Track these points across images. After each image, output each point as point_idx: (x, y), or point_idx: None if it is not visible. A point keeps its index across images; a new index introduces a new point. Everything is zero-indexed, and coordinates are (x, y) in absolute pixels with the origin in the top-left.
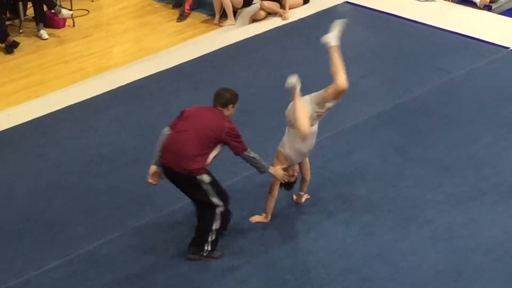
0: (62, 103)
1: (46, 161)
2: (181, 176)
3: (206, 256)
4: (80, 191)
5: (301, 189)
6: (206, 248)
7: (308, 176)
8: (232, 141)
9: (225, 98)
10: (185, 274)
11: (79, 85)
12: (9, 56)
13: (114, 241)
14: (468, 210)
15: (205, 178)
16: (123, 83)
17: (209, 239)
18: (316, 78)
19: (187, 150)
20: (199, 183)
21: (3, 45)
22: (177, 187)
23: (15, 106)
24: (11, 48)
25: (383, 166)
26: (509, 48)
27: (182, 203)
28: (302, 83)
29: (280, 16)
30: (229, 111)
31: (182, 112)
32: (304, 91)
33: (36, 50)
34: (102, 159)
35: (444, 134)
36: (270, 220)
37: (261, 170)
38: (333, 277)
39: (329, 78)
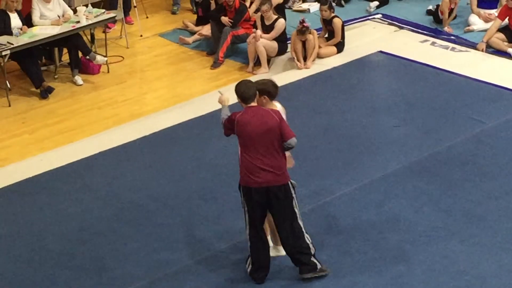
0: (95, 149)
1: (79, 206)
2: (277, 191)
3: (320, 271)
4: (111, 237)
5: None
6: (315, 261)
7: None
8: (285, 125)
9: (254, 89)
10: None
11: (112, 131)
12: (44, 101)
13: (154, 277)
14: (502, 261)
15: (293, 181)
16: (156, 130)
17: (312, 252)
18: (346, 126)
19: (276, 160)
20: (290, 190)
21: (38, 90)
22: (267, 208)
23: (49, 151)
24: (46, 93)
25: (415, 216)
26: None
27: (214, 250)
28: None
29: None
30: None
31: (231, 126)
32: (333, 139)
33: (71, 95)
34: (134, 205)
35: (477, 184)
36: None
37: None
38: None
39: (357, 127)
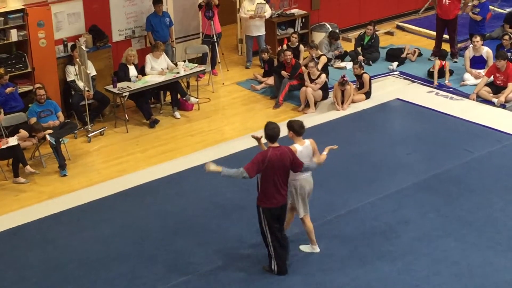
0: (188, 165)
1: (175, 206)
2: (285, 206)
3: None
4: (198, 228)
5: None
6: None
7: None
8: (295, 158)
9: (274, 132)
10: None
11: (201, 152)
12: (151, 130)
13: (230, 265)
14: (485, 255)
15: None
16: (233, 152)
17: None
18: (370, 153)
19: (286, 186)
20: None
21: (148, 121)
22: (280, 218)
23: (155, 165)
24: (153, 124)
25: (421, 220)
26: None
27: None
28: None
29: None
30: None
31: (263, 164)
32: (361, 162)
33: (171, 126)
34: (215, 205)
35: (467, 198)
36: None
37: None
38: None
39: (379, 154)
